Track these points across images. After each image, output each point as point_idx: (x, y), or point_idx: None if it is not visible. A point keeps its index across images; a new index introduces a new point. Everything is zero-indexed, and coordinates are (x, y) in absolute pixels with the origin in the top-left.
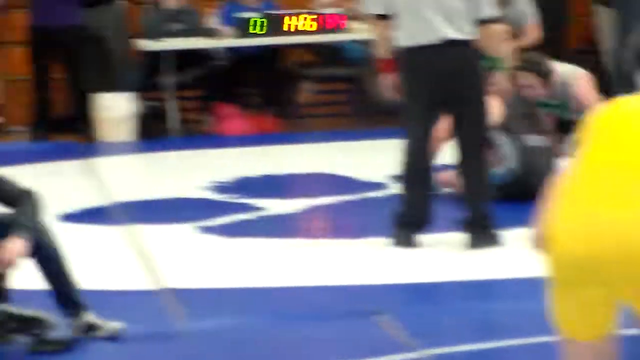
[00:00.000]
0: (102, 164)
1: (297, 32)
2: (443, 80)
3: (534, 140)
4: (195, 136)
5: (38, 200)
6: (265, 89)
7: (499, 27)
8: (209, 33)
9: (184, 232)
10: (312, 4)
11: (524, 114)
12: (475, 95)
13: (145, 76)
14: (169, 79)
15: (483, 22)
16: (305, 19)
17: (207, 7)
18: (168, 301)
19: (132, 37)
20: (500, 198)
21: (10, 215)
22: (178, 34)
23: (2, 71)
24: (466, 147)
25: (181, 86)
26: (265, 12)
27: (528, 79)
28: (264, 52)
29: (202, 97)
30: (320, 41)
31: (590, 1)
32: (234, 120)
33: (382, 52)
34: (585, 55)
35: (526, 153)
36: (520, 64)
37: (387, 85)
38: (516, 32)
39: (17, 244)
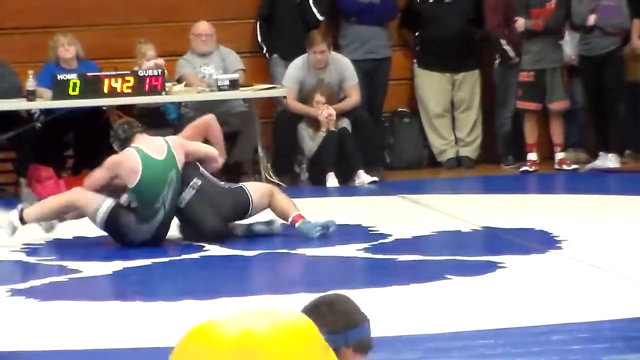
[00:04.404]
0: None
1: (116, 93)
2: None
3: None
4: (9, 199)
5: None
6: (83, 152)
7: None
8: (26, 94)
9: None
10: (135, 65)
11: None
12: None
13: None
14: None
15: None
16: (123, 80)
17: (27, 68)
18: None
19: None
20: None
21: None
22: None
23: None
24: None
25: None
26: (81, 73)
27: None
28: (80, 114)
29: (17, 159)
30: (138, 103)
31: None
32: (48, 182)
33: None
34: (404, 117)
35: None
36: None
37: None
38: (336, 94)
39: None
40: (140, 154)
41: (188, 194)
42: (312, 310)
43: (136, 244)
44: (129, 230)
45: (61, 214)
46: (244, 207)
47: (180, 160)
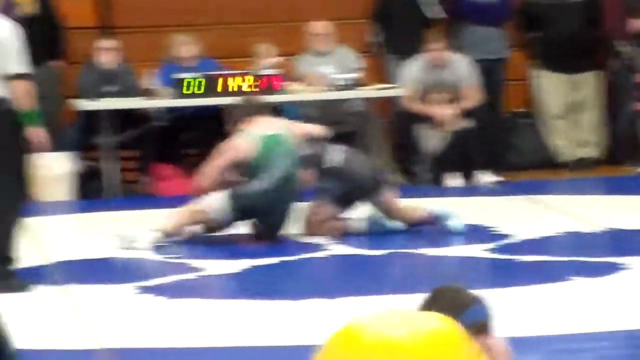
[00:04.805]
0: (40, 223)
1: (234, 92)
2: None
3: None
4: (133, 196)
5: None
6: (204, 150)
7: (27, 84)
8: (145, 93)
9: (123, 292)
10: (253, 65)
11: None
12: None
13: (82, 136)
14: (106, 139)
15: (13, 78)
16: (240, 79)
17: (144, 67)
18: None
19: (68, 97)
20: None
21: None
22: (114, 94)
23: None
24: None
25: (119, 146)
26: (202, 72)
27: None
28: (203, 113)
29: (140, 157)
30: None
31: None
32: (171, 180)
33: None
34: (523, 118)
35: None
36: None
37: None
38: (456, 94)
39: None
40: (255, 134)
41: (338, 155)
42: (426, 300)
43: (271, 221)
44: (259, 209)
45: (193, 223)
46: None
47: (295, 135)
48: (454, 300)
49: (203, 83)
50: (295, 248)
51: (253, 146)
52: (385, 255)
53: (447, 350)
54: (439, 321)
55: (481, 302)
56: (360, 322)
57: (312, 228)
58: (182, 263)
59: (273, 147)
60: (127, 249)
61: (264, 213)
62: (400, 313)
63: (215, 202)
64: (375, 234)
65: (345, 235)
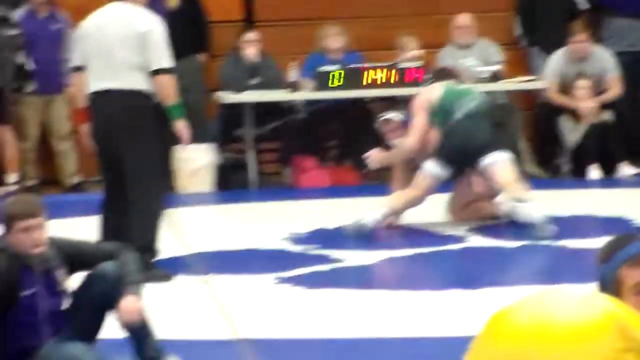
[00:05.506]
0: (182, 214)
1: (376, 85)
2: (100, 127)
3: None
4: (274, 188)
5: (134, 255)
6: (346, 142)
7: (170, 78)
8: (288, 86)
9: (262, 283)
10: (396, 57)
11: None
12: (132, 141)
13: (224, 128)
14: (248, 131)
15: (156, 73)
16: (383, 72)
17: (288, 60)
18: (246, 351)
19: (211, 90)
20: None
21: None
22: (257, 87)
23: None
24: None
25: (260, 138)
26: (344, 66)
27: None
28: (344, 105)
29: (281, 149)
30: (398, 94)
31: None
32: (312, 172)
33: (80, 102)
34: None
35: None
36: None
37: (84, 133)
38: (597, 87)
39: (134, 303)
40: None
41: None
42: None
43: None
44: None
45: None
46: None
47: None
48: (612, 242)
49: (346, 75)
50: (435, 240)
51: (439, 92)
52: (523, 247)
53: (594, 342)
54: (604, 302)
55: (636, 240)
56: (514, 306)
57: (456, 214)
58: (320, 254)
59: (457, 93)
60: (357, 230)
61: (466, 149)
62: (557, 293)
63: (426, 170)
64: (515, 223)
65: (490, 220)
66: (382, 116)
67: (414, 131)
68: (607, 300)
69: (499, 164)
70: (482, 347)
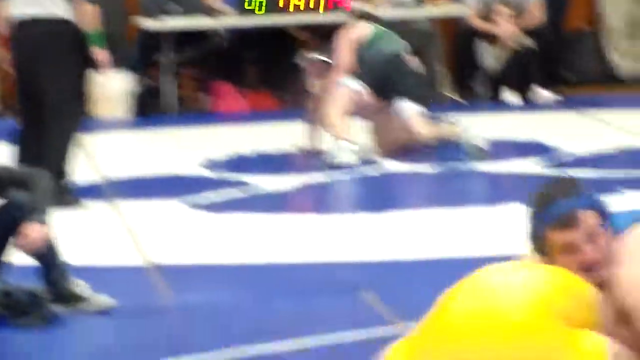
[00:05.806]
0: (97, 140)
1: (299, 11)
2: (22, 54)
3: None
4: (191, 114)
5: (49, 181)
6: (263, 68)
7: (90, 5)
8: (209, 12)
9: (175, 209)
10: None
11: None
12: (53, 67)
13: (142, 54)
14: (167, 58)
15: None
16: None
17: None
18: (156, 277)
19: (131, 14)
20: None
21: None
22: (177, 13)
23: None
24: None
25: (179, 64)
26: None
27: None
28: (263, 31)
29: (200, 75)
30: (321, 21)
31: None
32: (230, 98)
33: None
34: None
35: None
36: None
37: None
38: (518, 13)
39: (39, 230)
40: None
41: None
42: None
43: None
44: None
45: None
46: None
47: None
48: (540, 195)
49: (265, 2)
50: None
51: (367, 31)
52: (441, 172)
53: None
54: (541, 285)
55: (562, 198)
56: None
57: (384, 145)
58: (236, 180)
59: (382, 34)
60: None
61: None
62: (494, 281)
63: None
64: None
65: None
66: (306, 55)
67: (339, 69)
68: (545, 280)
69: (410, 112)
70: (425, 346)
